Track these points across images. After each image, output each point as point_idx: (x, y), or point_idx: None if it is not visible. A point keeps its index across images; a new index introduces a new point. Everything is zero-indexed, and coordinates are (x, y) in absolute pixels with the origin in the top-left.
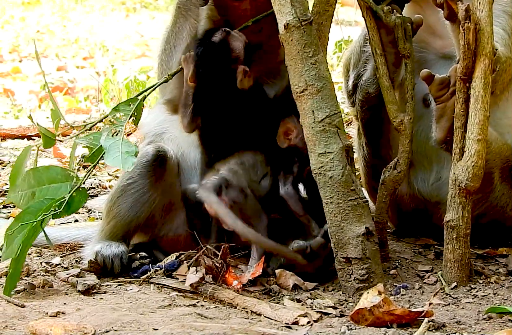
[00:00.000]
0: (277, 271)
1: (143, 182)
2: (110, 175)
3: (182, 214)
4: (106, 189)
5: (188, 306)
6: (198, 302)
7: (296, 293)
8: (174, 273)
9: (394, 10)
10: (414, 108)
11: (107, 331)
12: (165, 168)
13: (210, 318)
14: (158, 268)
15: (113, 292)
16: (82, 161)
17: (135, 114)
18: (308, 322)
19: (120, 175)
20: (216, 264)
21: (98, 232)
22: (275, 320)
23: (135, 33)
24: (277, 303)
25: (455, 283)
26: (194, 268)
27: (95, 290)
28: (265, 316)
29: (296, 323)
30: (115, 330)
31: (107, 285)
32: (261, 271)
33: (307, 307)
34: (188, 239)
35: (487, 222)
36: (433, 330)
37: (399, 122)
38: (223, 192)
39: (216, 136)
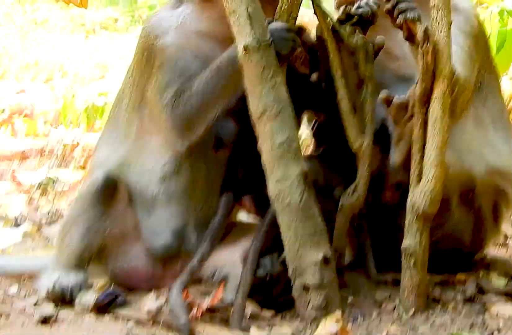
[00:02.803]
0: (235, 298)
1: (93, 211)
2: (66, 201)
3: (138, 244)
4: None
5: None
6: (156, 331)
7: (253, 321)
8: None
9: (357, 31)
10: (372, 132)
11: None
12: (116, 196)
13: None
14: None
15: (70, 322)
16: (40, 187)
17: None
18: None
19: (72, 203)
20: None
21: (53, 261)
22: None
23: (95, 55)
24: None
25: (412, 311)
26: (154, 295)
27: (52, 320)
28: None
29: None
30: None
31: (65, 314)
32: (219, 298)
33: None
34: (145, 271)
35: (445, 248)
36: None
37: (358, 146)
38: None
39: None
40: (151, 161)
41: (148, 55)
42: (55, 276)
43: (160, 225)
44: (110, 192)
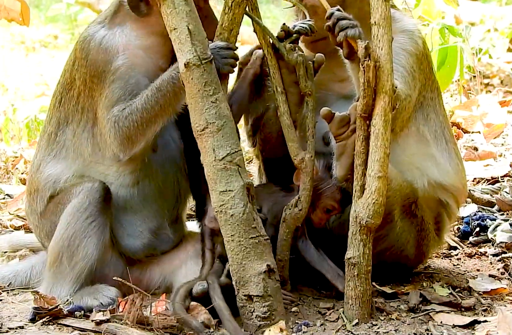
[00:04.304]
0: (192, 303)
1: (102, 219)
2: (11, 214)
3: (114, 253)
4: (7, 228)
5: None
6: None
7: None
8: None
9: (296, 48)
10: (314, 146)
11: None
12: (111, 202)
13: None
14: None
15: (15, 332)
16: None
17: None
18: None
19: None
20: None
21: (62, 275)
22: None
23: (35, 73)
24: None
25: (356, 320)
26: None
27: None
28: None
29: None
30: None
31: (10, 324)
32: (163, 307)
33: None
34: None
35: (389, 258)
36: None
37: (300, 160)
38: None
39: None
40: (114, 171)
41: (99, 77)
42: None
43: (136, 226)
44: (108, 200)
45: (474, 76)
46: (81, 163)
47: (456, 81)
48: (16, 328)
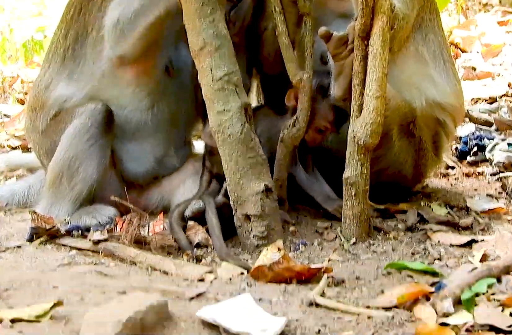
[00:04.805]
0: (190, 222)
1: (103, 142)
2: (8, 134)
3: (113, 175)
4: (4, 148)
5: (88, 264)
6: (98, 260)
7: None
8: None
9: None
10: (312, 66)
11: (6, 289)
12: (113, 125)
13: (111, 276)
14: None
15: (13, 251)
16: None
17: None
18: (215, 278)
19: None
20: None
21: (61, 195)
22: (180, 277)
23: None
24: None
25: (354, 239)
26: (99, 232)
27: None
28: (168, 273)
29: (202, 280)
30: (15, 289)
31: (7, 243)
32: (161, 227)
33: (207, 266)
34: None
35: (387, 178)
36: (333, 286)
37: (298, 80)
38: None
39: None
40: (130, 93)
41: None
42: (103, 210)
43: (142, 152)
44: (110, 122)
45: None
46: (96, 84)
47: (454, 1)
48: (14, 248)
